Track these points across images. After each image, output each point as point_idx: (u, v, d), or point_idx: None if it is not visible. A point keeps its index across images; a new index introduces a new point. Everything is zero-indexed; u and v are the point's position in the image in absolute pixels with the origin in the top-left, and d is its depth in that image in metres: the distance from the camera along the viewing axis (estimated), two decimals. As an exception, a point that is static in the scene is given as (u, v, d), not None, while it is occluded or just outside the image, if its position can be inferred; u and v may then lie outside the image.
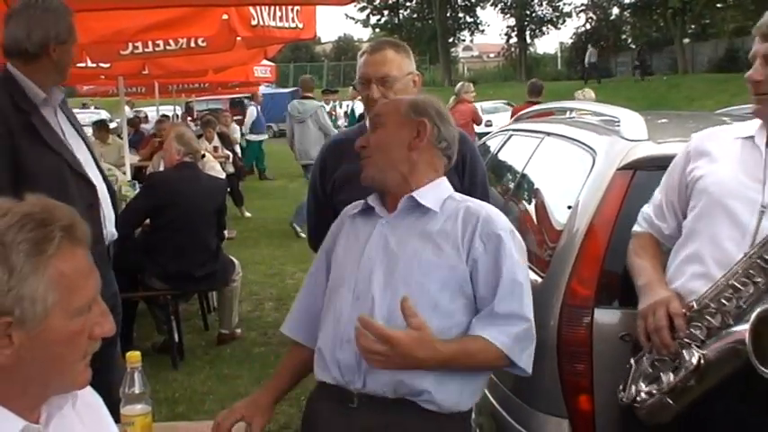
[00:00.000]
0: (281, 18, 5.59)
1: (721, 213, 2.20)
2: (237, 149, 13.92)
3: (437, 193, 2.24)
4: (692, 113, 4.84)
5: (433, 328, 2.03)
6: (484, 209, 2.22)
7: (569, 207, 2.82)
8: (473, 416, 3.65)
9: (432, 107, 2.30)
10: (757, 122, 2.31)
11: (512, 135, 4.52)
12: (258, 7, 5.30)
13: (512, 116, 12.52)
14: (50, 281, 1.29)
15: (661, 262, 2.38)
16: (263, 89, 28.14)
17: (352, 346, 2.08)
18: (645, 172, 2.65)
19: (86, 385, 1.43)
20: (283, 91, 34.01)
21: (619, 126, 2.95)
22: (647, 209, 2.50)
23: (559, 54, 55.21)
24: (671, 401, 2.12)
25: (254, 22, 5.40)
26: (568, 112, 3.93)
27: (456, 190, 2.93)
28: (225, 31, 5.73)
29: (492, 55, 64.16)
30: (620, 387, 2.23)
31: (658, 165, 2.59)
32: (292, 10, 5.63)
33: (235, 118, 18.90)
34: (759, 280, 2.05)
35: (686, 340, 2.12)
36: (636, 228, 2.52)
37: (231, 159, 12.22)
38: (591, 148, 3.00)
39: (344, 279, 2.21)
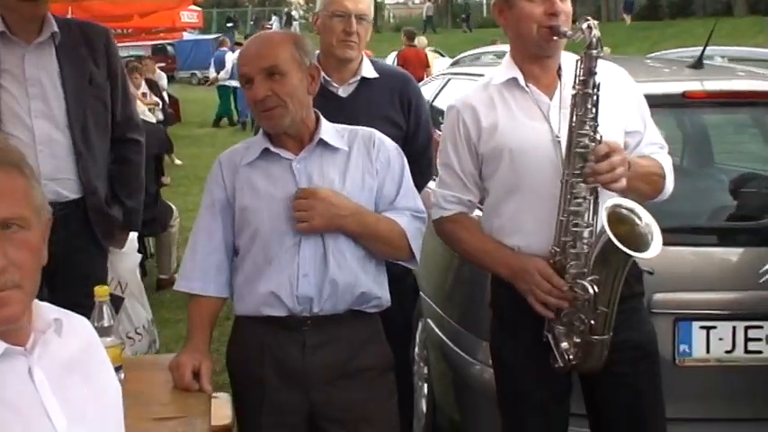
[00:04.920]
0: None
1: (528, 162, 2.32)
2: (165, 96, 13.65)
3: (329, 129, 2.33)
4: (626, 57, 4.97)
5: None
6: (371, 131, 2.39)
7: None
8: (416, 350, 3.82)
9: (313, 49, 2.36)
10: (507, 65, 2.40)
11: (450, 79, 4.60)
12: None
13: (397, 61, 13.32)
14: None
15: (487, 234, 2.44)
16: (185, 35, 27.52)
17: (309, 279, 2.23)
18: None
19: (7, 322, 1.36)
20: (207, 37, 33.26)
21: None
22: (442, 190, 2.49)
23: (485, 1, 55.28)
24: (595, 338, 2.22)
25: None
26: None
27: (401, 131, 3.05)
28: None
29: (417, 1, 63.80)
30: (551, 361, 2.29)
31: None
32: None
33: (158, 65, 18.36)
34: (584, 194, 2.19)
35: (576, 281, 2.20)
36: (440, 213, 2.49)
37: (160, 106, 12.01)
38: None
39: (280, 223, 2.25)
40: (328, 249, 2.25)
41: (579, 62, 2.20)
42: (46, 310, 1.49)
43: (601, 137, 2.17)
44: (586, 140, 2.16)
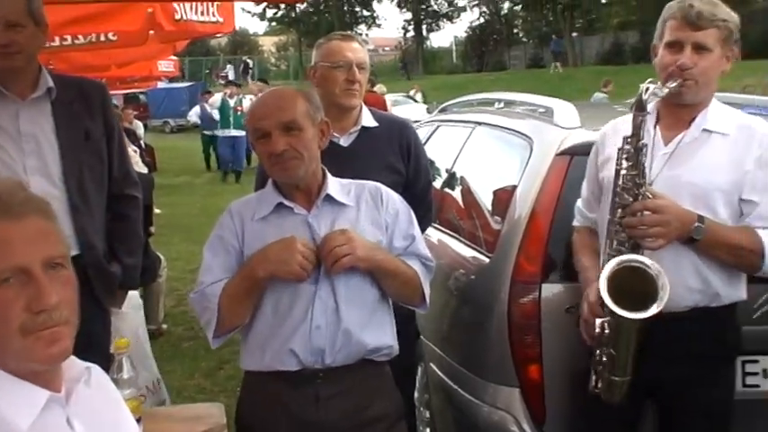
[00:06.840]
0: (202, 12, 5.67)
1: (606, 198, 2.45)
2: (143, 145, 13.66)
3: (335, 184, 2.37)
4: (618, 103, 5.10)
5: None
6: (377, 185, 2.45)
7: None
8: (416, 394, 3.83)
9: (321, 104, 2.41)
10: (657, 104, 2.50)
11: (439, 126, 4.69)
12: (181, 2, 5.32)
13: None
14: None
15: (597, 253, 2.55)
16: (159, 84, 27.54)
17: (321, 331, 2.25)
18: (580, 157, 2.80)
19: (53, 362, 1.40)
20: (179, 86, 33.43)
21: (552, 115, 3.14)
22: (579, 203, 2.69)
23: (454, 48, 56.18)
24: (613, 377, 2.32)
25: (177, 17, 5.43)
26: (497, 103, 4.13)
27: (402, 177, 3.10)
28: (147, 26, 5.71)
29: (387, 49, 64.63)
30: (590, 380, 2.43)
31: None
32: (212, 5, 5.69)
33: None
34: (624, 242, 2.32)
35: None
36: (575, 222, 2.71)
37: (138, 155, 11.99)
38: (527, 136, 3.19)
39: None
40: (340, 300, 2.26)
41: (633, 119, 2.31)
42: (74, 359, 1.50)
43: (644, 193, 2.28)
44: (625, 195, 2.29)
